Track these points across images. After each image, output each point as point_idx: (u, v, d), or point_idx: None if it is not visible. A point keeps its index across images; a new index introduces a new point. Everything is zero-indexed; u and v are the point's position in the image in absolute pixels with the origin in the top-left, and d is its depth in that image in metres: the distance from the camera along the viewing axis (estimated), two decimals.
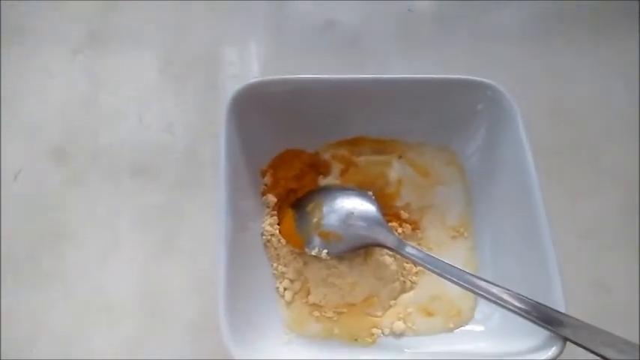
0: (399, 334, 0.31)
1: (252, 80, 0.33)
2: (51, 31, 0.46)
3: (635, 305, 0.34)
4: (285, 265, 0.32)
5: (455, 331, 0.31)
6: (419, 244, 0.34)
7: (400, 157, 0.36)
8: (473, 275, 0.29)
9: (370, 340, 0.31)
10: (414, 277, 0.33)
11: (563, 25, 0.47)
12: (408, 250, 0.30)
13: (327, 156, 0.36)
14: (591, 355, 0.25)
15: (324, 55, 0.45)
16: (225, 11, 0.47)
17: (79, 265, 0.35)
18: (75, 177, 0.39)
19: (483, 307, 0.31)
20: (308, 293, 0.32)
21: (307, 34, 0.46)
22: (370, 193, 0.34)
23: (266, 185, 0.34)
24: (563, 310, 0.27)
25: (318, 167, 0.36)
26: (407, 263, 0.33)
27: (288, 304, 0.32)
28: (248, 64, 0.45)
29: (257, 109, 0.33)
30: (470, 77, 0.34)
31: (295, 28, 0.47)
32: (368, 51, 0.46)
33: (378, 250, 0.32)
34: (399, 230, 0.34)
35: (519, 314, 0.27)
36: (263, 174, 0.35)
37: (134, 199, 0.38)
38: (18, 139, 0.40)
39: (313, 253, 0.31)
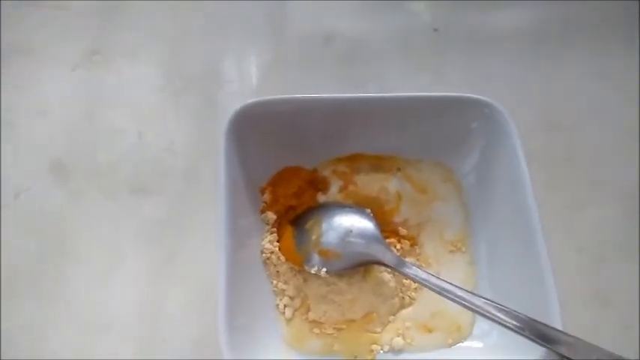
0: (398, 350, 0.31)
1: (250, 101, 0.33)
2: (51, 47, 0.46)
3: (634, 318, 0.35)
4: (284, 282, 0.33)
5: (454, 347, 0.31)
6: (417, 260, 0.34)
7: (399, 169, 0.37)
8: (470, 293, 0.29)
9: (370, 357, 0.31)
10: (412, 293, 0.33)
11: (561, 37, 0.47)
12: (407, 268, 0.31)
13: (325, 173, 0.36)
14: None
15: (323, 71, 0.45)
16: (224, 27, 0.48)
17: (80, 284, 0.36)
18: (75, 194, 0.39)
19: (482, 324, 0.32)
20: (308, 310, 0.32)
21: (306, 50, 0.47)
22: (368, 210, 0.34)
23: (265, 203, 0.35)
24: (560, 325, 0.27)
25: (317, 184, 0.36)
26: (406, 279, 0.33)
27: (288, 320, 0.32)
28: (247, 81, 0.45)
29: (255, 128, 0.33)
30: (466, 95, 0.34)
31: (294, 43, 0.47)
32: (366, 66, 0.46)
33: (377, 266, 0.33)
34: (398, 246, 0.34)
35: (516, 332, 0.27)
36: (262, 191, 0.35)
37: (134, 216, 0.38)
38: (18, 156, 0.40)
39: (313, 271, 0.32)
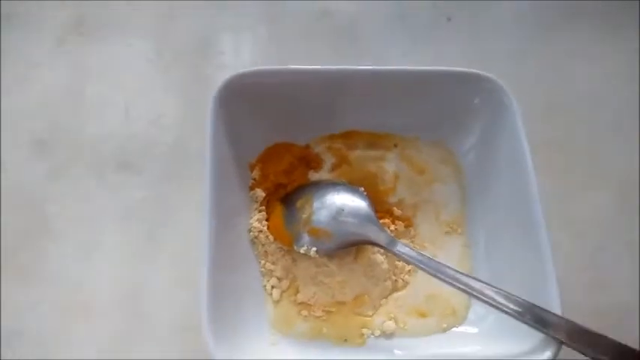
0: (390, 335, 0.30)
1: (242, 70, 0.32)
2: (36, 18, 0.44)
3: (634, 304, 0.34)
4: (273, 263, 0.31)
5: (448, 332, 0.30)
6: (412, 242, 0.33)
7: (396, 145, 0.35)
8: (467, 275, 0.28)
9: (360, 341, 0.30)
10: (406, 276, 0.32)
11: (563, 20, 0.46)
12: (400, 248, 0.29)
13: (318, 150, 0.35)
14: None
15: (319, 46, 0.44)
16: (215, 0, 0.46)
17: (61, 261, 0.34)
18: (58, 170, 0.37)
19: (477, 308, 0.30)
20: (296, 291, 0.31)
21: (302, 24, 0.45)
22: (362, 189, 0.32)
23: (254, 179, 0.33)
24: (559, 311, 0.26)
25: (309, 161, 0.35)
26: (399, 261, 0.32)
27: (276, 302, 0.31)
28: (239, 54, 0.44)
29: (246, 100, 0.32)
30: (468, 70, 0.32)
31: (289, 16, 0.45)
32: (363, 42, 0.44)
33: (369, 247, 0.31)
34: (392, 227, 0.33)
35: (513, 316, 0.26)
36: (251, 168, 0.33)
37: (119, 194, 0.37)
38: (1, 129, 0.39)
39: (302, 251, 0.30)
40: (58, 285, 0.34)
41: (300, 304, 0.31)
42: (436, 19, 0.45)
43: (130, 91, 0.41)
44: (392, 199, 0.34)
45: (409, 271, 0.32)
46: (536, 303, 0.26)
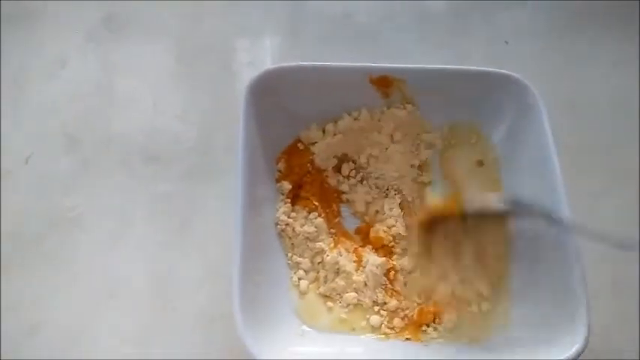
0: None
1: (271, 67, 0.33)
2: (66, 16, 0.45)
3: None
4: (299, 255, 0.32)
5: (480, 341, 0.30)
6: None
7: None
8: None
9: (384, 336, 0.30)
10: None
11: (583, 22, 0.46)
12: None
13: None
14: None
15: (340, 47, 0.44)
16: (241, 0, 0.47)
17: (88, 252, 0.35)
18: (86, 163, 0.38)
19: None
20: (322, 284, 0.31)
21: (324, 26, 0.46)
22: None
23: (280, 172, 0.34)
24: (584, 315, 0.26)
25: None
26: None
27: (302, 294, 0.31)
28: (262, 53, 0.44)
29: (274, 96, 0.32)
30: (494, 69, 0.33)
31: (311, 18, 0.46)
32: (384, 44, 0.45)
33: None
34: None
35: None
36: (277, 160, 0.34)
37: (146, 187, 0.37)
38: (30, 123, 0.40)
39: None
40: (85, 274, 0.34)
41: (325, 296, 0.31)
42: (456, 23, 0.46)
43: (157, 87, 0.42)
44: None
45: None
46: (562, 304, 0.27)
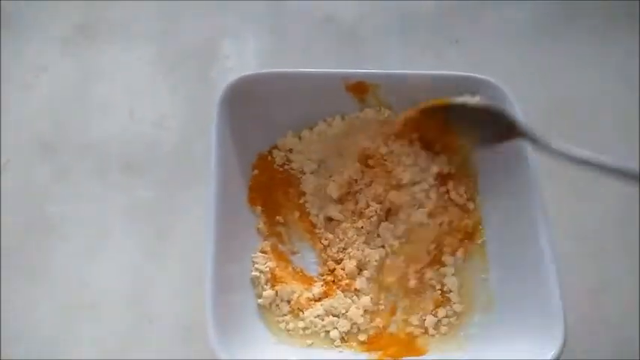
0: None
1: (247, 73, 0.32)
2: (41, 21, 0.45)
3: (634, 308, 0.34)
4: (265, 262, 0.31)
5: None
6: None
7: None
8: None
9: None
10: None
11: (563, 24, 0.46)
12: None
13: None
14: None
15: (322, 50, 0.44)
16: (221, 2, 0.46)
17: (66, 261, 0.35)
18: (63, 171, 0.38)
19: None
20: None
21: (306, 29, 0.45)
22: None
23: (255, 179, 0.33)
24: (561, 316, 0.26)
25: None
26: None
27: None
28: (244, 58, 0.44)
29: (250, 103, 0.32)
30: (468, 74, 0.33)
31: (293, 22, 0.46)
32: (366, 47, 0.45)
33: None
34: None
35: None
36: (253, 167, 0.34)
37: (123, 195, 0.37)
38: (6, 130, 0.39)
39: None
40: (62, 285, 0.34)
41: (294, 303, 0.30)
42: (438, 25, 0.46)
43: (134, 93, 0.41)
44: None
45: None
46: (538, 305, 0.27)
